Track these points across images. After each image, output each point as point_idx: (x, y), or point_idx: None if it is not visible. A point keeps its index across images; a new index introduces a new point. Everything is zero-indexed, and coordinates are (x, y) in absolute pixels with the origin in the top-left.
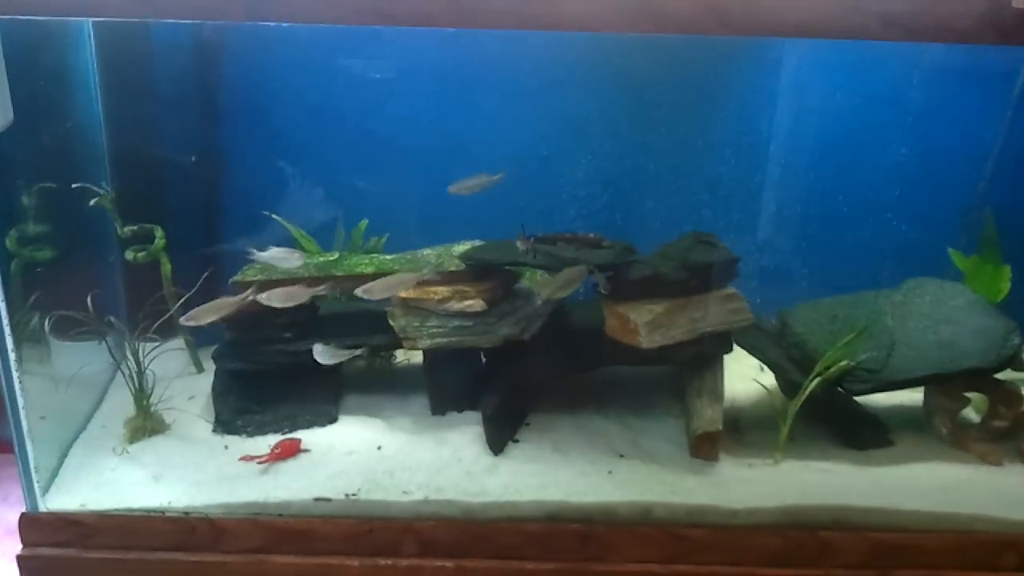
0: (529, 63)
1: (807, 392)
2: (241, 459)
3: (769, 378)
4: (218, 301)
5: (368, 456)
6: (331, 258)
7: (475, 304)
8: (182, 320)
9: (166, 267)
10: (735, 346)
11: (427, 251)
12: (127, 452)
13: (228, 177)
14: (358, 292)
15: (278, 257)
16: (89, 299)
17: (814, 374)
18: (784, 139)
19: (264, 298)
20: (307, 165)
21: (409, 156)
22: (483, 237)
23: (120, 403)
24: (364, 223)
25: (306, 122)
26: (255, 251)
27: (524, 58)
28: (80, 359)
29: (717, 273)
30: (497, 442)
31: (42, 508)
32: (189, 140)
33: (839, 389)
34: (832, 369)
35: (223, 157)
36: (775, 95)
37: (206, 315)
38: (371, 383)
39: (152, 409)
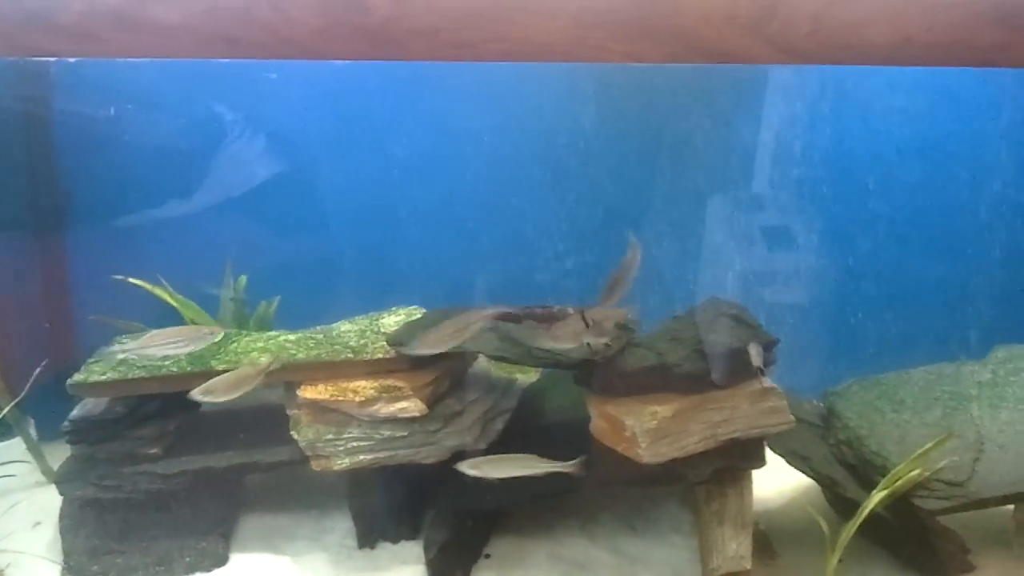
0: None
1: (866, 513)
2: None
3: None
4: None
5: None
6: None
7: (411, 407)
8: None
9: None
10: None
11: (345, 326)
12: None
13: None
14: (195, 394)
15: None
16: None
17: (876, 490)
18: None
19: (200, 394)
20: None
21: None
22: (426, 302)
23: None
24: (243, 279)
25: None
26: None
27: None
28: None
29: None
30: None
31: None
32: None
33: (910, 502)
34: (900, 482)
35: (66, 199)
36: None
37: None
38: (276, 499)
39: None
